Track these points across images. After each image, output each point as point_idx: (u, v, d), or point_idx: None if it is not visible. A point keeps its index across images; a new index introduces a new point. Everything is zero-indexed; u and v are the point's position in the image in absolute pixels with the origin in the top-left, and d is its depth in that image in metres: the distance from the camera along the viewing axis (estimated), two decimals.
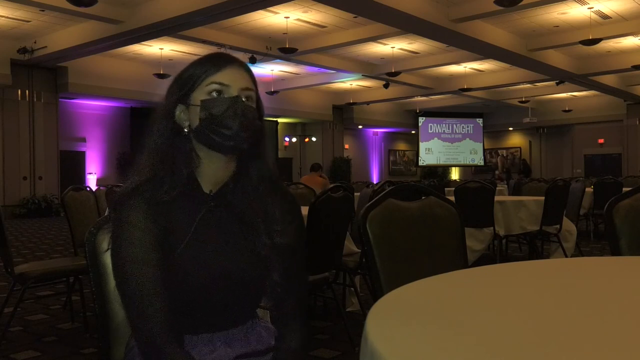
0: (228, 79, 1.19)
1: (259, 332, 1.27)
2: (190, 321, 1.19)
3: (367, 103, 21.10)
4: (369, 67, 16.01)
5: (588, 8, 11.29)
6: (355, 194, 5.30)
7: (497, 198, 4.80)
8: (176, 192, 1.18)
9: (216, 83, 1.18)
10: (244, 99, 1.19)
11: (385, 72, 15.39)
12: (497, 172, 24.60)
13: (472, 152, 24.99)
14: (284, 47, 12.35)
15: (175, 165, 1.19)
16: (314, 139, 22.15)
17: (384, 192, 1.62)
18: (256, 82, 1.24)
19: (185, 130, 1.20)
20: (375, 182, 13.95)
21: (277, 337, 1.25)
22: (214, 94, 1.18)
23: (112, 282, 1.28)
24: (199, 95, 1.19)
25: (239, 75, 1.21)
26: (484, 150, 25.29)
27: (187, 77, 1.21)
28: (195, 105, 1.19)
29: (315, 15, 11.54)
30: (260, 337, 1.26)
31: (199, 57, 1.25)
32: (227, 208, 1.23)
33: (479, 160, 25.15)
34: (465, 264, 1.69)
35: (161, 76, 14.05)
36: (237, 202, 1.23)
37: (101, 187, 6.34)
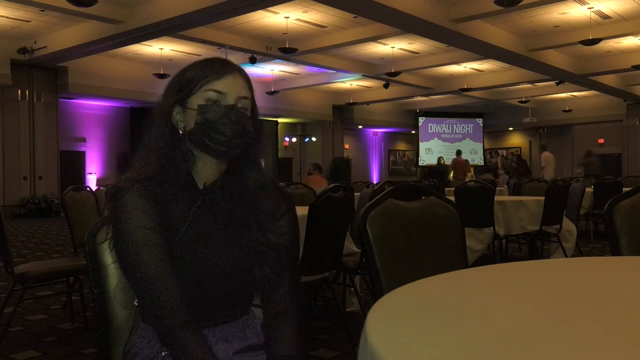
0: (226, 88, 1.22)
1: (255, 326, 1.27)
2: None
3: (367, 103, 21.10)
4: (369, 67, 16.01)
5: (588, 8, 11.29)
6: (355, 194, 5.30)
7: (497, 198, 4.80)
8: (174, 188, 1.20)
9: (214, 91, 1.21)
10: (239, 107, 1.22)
11: (385, 72, 15.38)
12: (499, 171, 24.60)
13: (472, 152, 24.97)
14: (284, 47, 12.35)
15: (176, 164, 1.21)
16: (314, 139, 22.15)
17: (384, 192, 1.62)
18: (253, 88, 1.28)
19: (180, 131, 1.24)
20: (375, 182, 13.94)
21: (269, 341, 1.23)
22: (211, 100, 1.21)
23: (112, 282, 1.28)
24: (197, 99, 1.22)
25: (237, 84, 1.23)
26: (484, 150, 25.29)
27: (186, 81, 1.23)
28: (192, 109, 1.22)
29: (315, 15, 11.54)
30: (258, 331, 1.27)
31: (199, 58, 1.27)
32: (219, 202, 1.25)
33: (479, 160, 25.14)
34: (465, 264, 1.69)
35: (161, 76, 14.04)
36: (229, 196, 1.25)
37: (101, 187, 6.35)
